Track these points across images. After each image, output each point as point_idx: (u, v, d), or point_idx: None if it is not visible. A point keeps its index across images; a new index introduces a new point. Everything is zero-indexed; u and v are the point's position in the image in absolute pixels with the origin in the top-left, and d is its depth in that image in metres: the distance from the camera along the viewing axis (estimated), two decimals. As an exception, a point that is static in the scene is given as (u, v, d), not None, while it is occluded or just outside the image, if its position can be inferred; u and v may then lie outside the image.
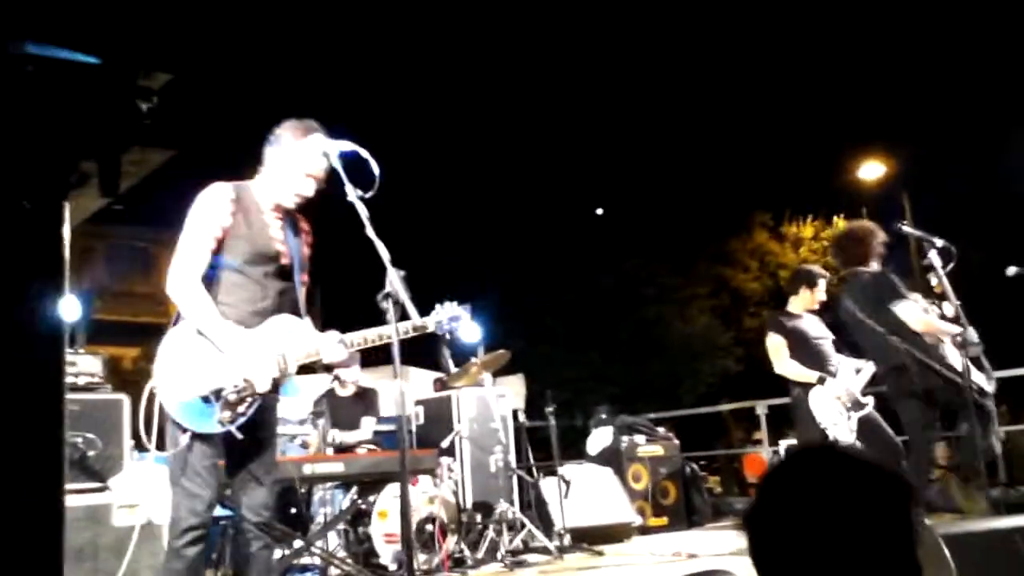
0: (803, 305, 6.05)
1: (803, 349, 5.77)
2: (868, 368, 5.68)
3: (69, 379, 4.60)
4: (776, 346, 5.84)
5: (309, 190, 3.33)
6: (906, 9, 16.46)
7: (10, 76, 1.01)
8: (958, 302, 4.99)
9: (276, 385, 3.18)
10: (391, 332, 3.26)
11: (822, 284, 6.11)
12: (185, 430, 3.03)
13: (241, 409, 3.08)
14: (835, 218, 19.63)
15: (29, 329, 1.04)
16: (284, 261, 3.31)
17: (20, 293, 1.05)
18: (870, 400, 5.64)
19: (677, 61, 18.11)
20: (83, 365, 4.70)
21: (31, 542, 1.06)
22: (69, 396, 4.49)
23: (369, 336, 3.34)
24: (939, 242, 4.99)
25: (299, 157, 3.28)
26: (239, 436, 3.07)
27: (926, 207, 15.55)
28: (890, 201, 16.63)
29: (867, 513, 1.36)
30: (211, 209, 3.18)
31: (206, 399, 3.04)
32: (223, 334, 3.09)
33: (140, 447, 4.41)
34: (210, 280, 3.17)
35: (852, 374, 5.70)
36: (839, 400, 5.60)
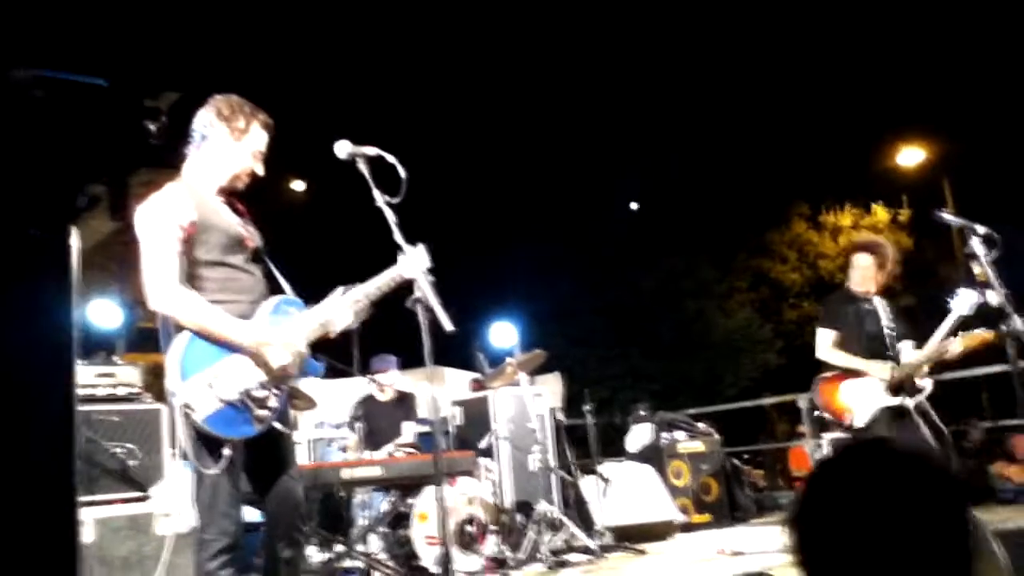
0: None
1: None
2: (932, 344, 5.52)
3: (109, 390, 4.66)
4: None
5: (261, 169, 3.19)
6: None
7: (17, 101, 1.01)
8: (1004, 290, 4.86)
9: (296, 368, 3.05)
10: (387, 279, 3.19)
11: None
12: (220, 445, 2.85)
13: (273, 403, 2.96)
14: (874, 206, 19.31)
15: (39, 350, 1.04)
16: (250, 244, 3.15)
17: (29, 321, 1.05)
18: (928, 382, 5.41)
19: (712, 53, 17.94)
20: (122, 376, 4.76)
21: (45, 554, 1.06)
22: (109, 407, 4.58)
23: (370, 291, 3.22)
24: (981, 229, 4.86)
25: (252, 138, 3.14)
26: (284, 430, 2.99)
27: (968, 193, 15.21)
28: (930, 187, 16.30)
29: (921, 510, 1.32)
30: (167, 208, 2.92)
31: (236, 403, 2.88)
32: (230, 329, 2.92)
33: (183, 456, 4.45)
34: (196, 282, 2.98)
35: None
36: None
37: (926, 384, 5.44)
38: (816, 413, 5.56)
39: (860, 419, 5.22)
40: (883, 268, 5.56)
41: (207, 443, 2.86)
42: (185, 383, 2.83)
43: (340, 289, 3.21)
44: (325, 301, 3.22)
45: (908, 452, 1.41)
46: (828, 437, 7.37)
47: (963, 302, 5.43)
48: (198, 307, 2.90)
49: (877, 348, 5.35)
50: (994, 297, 5.00)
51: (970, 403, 13.10)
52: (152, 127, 1.16)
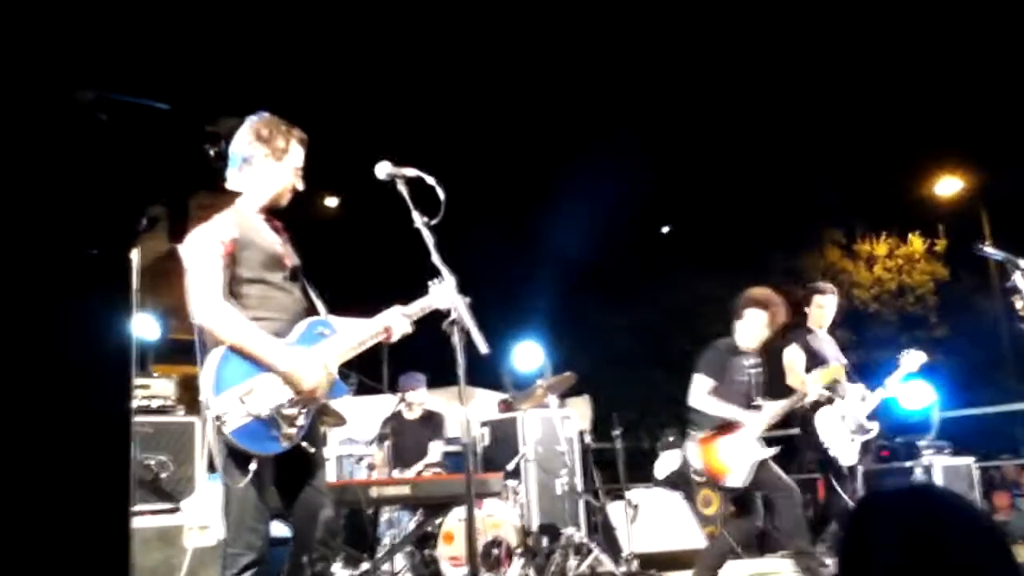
0: (816, 322, 6.38)
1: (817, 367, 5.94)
2: (873, 397, 5.97)
3: (143, 402, 4.70)
4: (795, 358, 6.08)
5: (301, 184, 3.27)
6: (984, 17, 15.97)
7: (82, 122, 1.03)
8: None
9: (325, 389, 3.11)
10: (417, 309, 3.32)
11: (827, 299, 6.49)
12: (248, 459, 2.90)
13: (301, 421, 3.00)
14: (910, 235, 19.07)
15: (100, 364, 1.06)
16: (288, 263, 3.24)
17: (91, 337, 1.06)
18: (875, 426, 5.92)
19: (744, 75, 17.88)
20: (156, 388, 4.80)
21: (100, 560, 1.07)
22: (143, 419, 4.62)
23: (409, 313, 3.34)
24: (1024, 263, 4.80)
25: (293, 155, 3.22)
26: (311, 449, 3.02)
27: (1005, 223, 14.98)
28: (967, 217, 16.09)
29: (971, 557, 1.30)
30: (209, 227, 3.01)
31: (265, 420, 2.92)
32: (266, 349, 2.97)
33: (212, 468, 4.47)
34: (237, 299, 3.05)
35: (858, 400, 5.95)
36: (844, 423, 5.85)
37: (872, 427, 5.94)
38: (693, 471, 5.54)
39: (738, 479, 5.16)
40: (772, 326, 5.49)
41: (235, 457, 2.91)
42: (218, 396, 2.88)
43: (399, 308, 3.32)
44: (358, 323, 3.29)
45: (953, 497, 1.39)
46: (861, 468, 7.30)
47: (912, 361, 6.13)
48: (238, 324, 2.97)
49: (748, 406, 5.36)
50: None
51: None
52: (212, 151, 1.17)
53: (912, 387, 7.46)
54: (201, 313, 2.96)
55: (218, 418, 2.85)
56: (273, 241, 3.20)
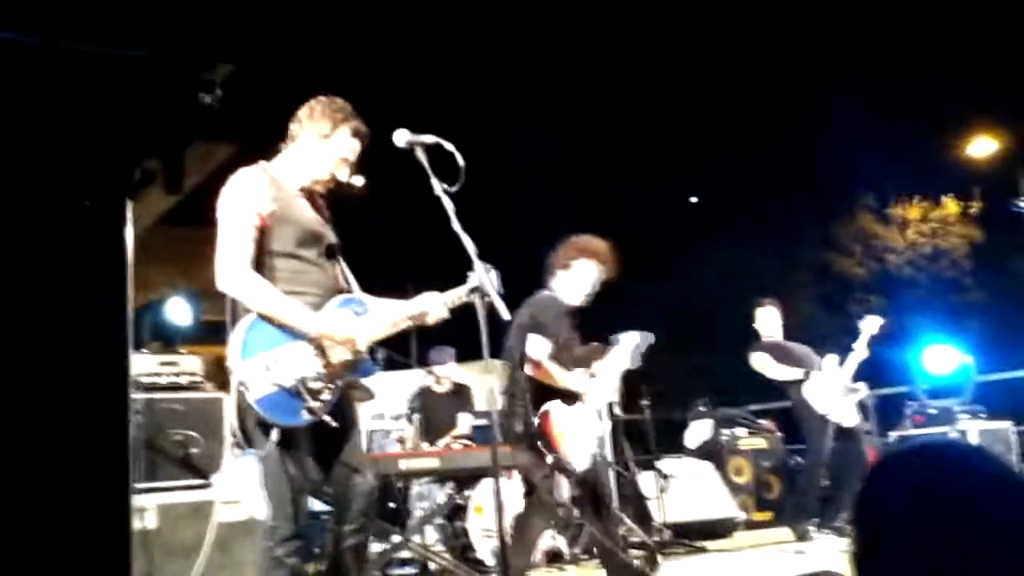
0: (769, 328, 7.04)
1: (786, 356, 6.71)
2: (849, 362, 6.56)
3: (172, 379, 4.72)
4: (762, 360, 6.78)
5: (344, 175, 3.21)
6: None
7: (70, 74, 1.00)
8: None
9: (357, 364, 3.06)
10: (464, 292, 3.18)
11: (772, 310, 7.13)
12: (271, 428, 2.87)
13: (326, 396, 2.95)
14: (944, 198, 18.71)
15: (91, 326, 1.03)
16: (325, 240, 3.17)
17: (83, 291, 1.03)
18: (862, 385, 6.57)
19: (773, 40, 17.57)
20: (185, 365, 4.82)
21: (99, 540, 1.05)
22: (172, 395, 4.64)
23: (460, 294, 3.21)
24: (1061, 220, 4.70)
25: (337, 143, 3.14)
26: (333, 424, 2.95)
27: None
28: (1004, 179, 15.73)
29: (994, 513, 1.23)
30: (247, 195, 2.96)
31: (290, 390, 2.88)
32: (296, 315, 2.93)
33: (240, 444, 4.47)
34: (268, 272, 2.98)
35: (836, 366, 6.57)
36: (832, 387, 6.41)
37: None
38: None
39: (581, 461, 4.28)
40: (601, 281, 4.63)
41: (260, 426, 2.88)
42: (244, 362, 2.85)
43: (435, 294, 3.23)
44: (392, 304, 3.25)
45: (977, 452, 1.32)
46: (895, 435, 7.27)
47: (871, 325, 6.65)
48: (266, 292, 2.93)
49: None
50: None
51: None
52: (207, 99, 1.13)
53: (937, 351, 7.43)
54: (226, 282, 2.93)
55: (242, 383, 2.84)
56: (310, 217, 3.14)
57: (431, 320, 3.26)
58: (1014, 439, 7.56)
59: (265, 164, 3.12)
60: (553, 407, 4.23)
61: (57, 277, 0.98)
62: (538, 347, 4.25)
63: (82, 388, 1.00)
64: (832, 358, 6.64)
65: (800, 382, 6.51)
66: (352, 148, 3.19)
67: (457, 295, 3.26)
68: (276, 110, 3.26)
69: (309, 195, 3.20)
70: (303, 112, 3.15)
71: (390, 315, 3.21)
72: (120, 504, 1.02)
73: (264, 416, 2.86)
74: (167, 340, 5.30)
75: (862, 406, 6.67)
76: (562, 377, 4.29)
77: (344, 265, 3.27)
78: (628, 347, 4.58)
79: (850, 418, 6.42)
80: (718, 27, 17.62)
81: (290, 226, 3.05)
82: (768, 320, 7.07)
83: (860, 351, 6.63)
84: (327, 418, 2.96)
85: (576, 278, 4.53)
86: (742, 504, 7.58)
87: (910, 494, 1.26)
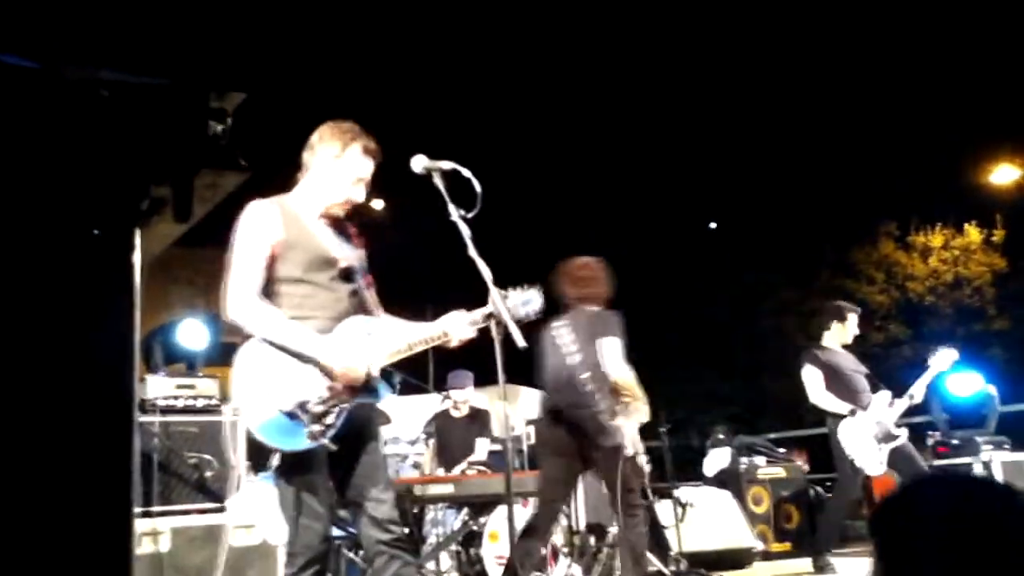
0: (836, 339, 6.37)
1: (838, 382, 6.13)
2: (902, 402, 6.01)
3: (188, 402, 4.73)
4: (811, 378, 6.21)
5: (360, 196, 3.22)
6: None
7: (83, 101, 1.00)
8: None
9: (366, 388, 3.03)
10: (490, 310, 3.12)
11: (852, 318, 6.41)
12: (271, 452, 2.88)
13: (329, 420, 2.92)
14: (966, 225, 18.56)
15: (99, 355, 1.02)
16: (340, 264, 3.16)
17: (91, 319, 1.03)
18: (903, 432, 5.97)
19: (794, 63, 17.56)
20: (202, 388, 4.83)
21: (99, 566, 1.04)
22: (188, 418, 4.65)
23: (485, 312, 3.18)
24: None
25: (349, 163, 3.15)
26: (333, 448, 2.91)
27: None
28: (1027, 206, 15.61)
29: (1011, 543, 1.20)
30: (259, 225, 3.03)
31: (290, 414, 2.88)
32: (300, 339, 2.94)
33: (256, 468, 4.47)
34: (276, 298, 3.03)
35: (885, 407, 6.00)
36: (869, 432, 5.93)
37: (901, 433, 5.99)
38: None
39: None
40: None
41: (261, 450, 2.92)
42: (243, 387, 2.90)
43: (462, 312, 3.20)
44: (410, 326, 3.23)
45: (1006, 487, 1.30)
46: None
47: (943, 360, 6.12)
48: (272, 319, 2.95)
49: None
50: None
51: None
52: (218, 128, 1.13)
53: (961, 377, 7.35)
54: (233, 309, 2.96)
55: (243, 408, 2.88)
56: (323, 242, 3.14)
57: (455, 342, 3.20)
58: (1039, 471, 7.43)
59: (280, 197, 3.16)
60: None
61: (64, 305, 0.98)
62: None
63: (87, 414, 1.00)
64: (884, 395, 6.10)
65: (841, 416, 6.07)
66: (365, 166, 3.20)
67: (482, 314, 3.20)
68: (287, 139, 3.28)
69: (334, 222, 3.21)
70: (313, 138, 3.19)
71: (406, 337, 3.17)
72: (121, 530, 1.02)
73: (263, 440, 2.87)
74: (180, 361, 5.31)
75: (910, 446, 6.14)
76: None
77: (363, 286, 3.25)
78: None
79: (877, 467, 5.97)
80: (742, 52, 17.64)
81: (300, 252, 3.06)
82: (841, 331, 6.39)
83: (919, 391, 6.10)
84: (327, 442, 2.91)
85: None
86: (760, 534, 7.49)
87: (938, 522, 1.24)
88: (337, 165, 3.14)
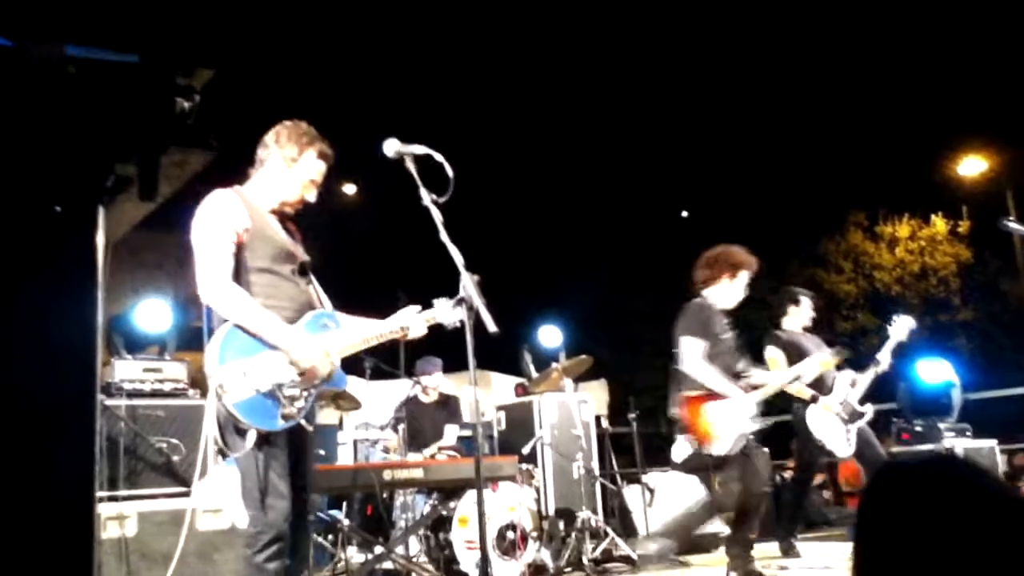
0: (796, 323, 6.51)
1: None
2: (864, 378, 6.06)
3: (156, 385, 4.69)
4: (774, 360, 6.19)
5: (313, 197, 3.32)
6: (1008, -4, 15.67)
7: (49, 77, 0.98)
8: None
9: (329, 377, 3.16)
10: (426, 318, 3.36)
11: (805, 301, 6.57)
12: (246, 432, 2.95)
13: (300, 403, 3.04)
14: (933, 217, 18.82)
15: (59, 336, 1.01)
16: (299, 258, 3.29)
17: (51, 299, 1.02)
18: (869, 408, 6.02)
19: (765, 56, 17.67)
20: (169, 371, 4.79)
21: (62, 549, 1.03)
22: (154, 402, 4.61)
23: (415, 326, 3.41)
24: (1051, 239, 4.73)
25: (305, 166, 3.26)
26: (310, 428, 3.07)
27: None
28: (992, 199, 15.82)
29: (994, 531, 1.22)
30: (225, 212, 3.10)
31: (267, 395, 2.97)
32: (273, 328, 3.03)
33: (224, 452, 4.44)
34: (244, 286, 3.10)
35: (848, 387, 6.06)
36: (836, 414, 5.97)
37: (867, 410, 5.99)
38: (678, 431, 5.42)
39: (722, 446, 5.08)
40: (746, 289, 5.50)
41: (236, 430, 2.98)
42: (222, 367, 2.94)
43: (416, 307, 3.40)
44: (367, 322, 3.37)
45: (980, 470, 1.32)
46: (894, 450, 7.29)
47: (901, 328, 6.10)
48: (244, 303, 3.03)
49: (734, 365, 5.28)
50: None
51: None
52: (185, 105, 1.12)
53: (929, 363, 7.45)
54: (208, 292, 3.02)
55: (221, 387, 2.91)
56: (284, 237, 3.26)
57: (412, 335, 3.38)
58: (999, 458, 7.59)
59: (238, 188, 3.25)
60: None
61: (23, 283, 0.96)
62: (688, 349, 5.14)
63: (45, 396, 0.98)
64: (846, 375, 6.12)
65: (807, 402, 6.05)
66: (319, 170, 3.30)
67: (437, 312, 3.38)
68: (257, 118, 3.29)
69: (280, 217, 3.31)
70: (270, 138, 3.28)
71: (362, 332, 3.33)
72: (83, 514, 1.01)
73: (241, 419, 2.93)
74: (146, 344, 5.24)
75: (868, 430, 6.16)
76: (715, 382, 5.06)
77: (316, 283, 3.36)
78: None
79: (846, 449, 6.01)
80: (710, 43, 17.70)
81: (265, 243, 3.17)
82: (797, 315, 6.51)
83: (883, 362, 6.09)
84: (303, 422, 3.05)
85: (734, 287, 5.39)
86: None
87: (911, 506, 1.26)
88: (294, 167, 3.24)
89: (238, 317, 3.00)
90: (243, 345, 2.99)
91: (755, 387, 5.21)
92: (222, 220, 3.08)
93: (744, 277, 5.40)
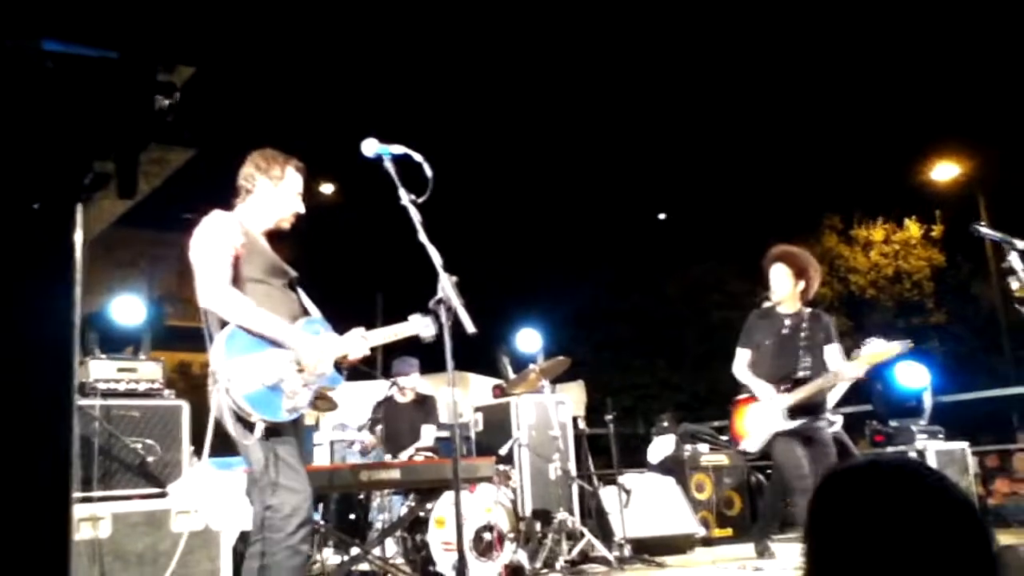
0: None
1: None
2: (836, 390, 5.96)
3: (130, 385, 4.64)
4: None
5: (302, 207, 3.57)
6: (980, 3, 15.88)
7: (26, 73, 0.98)
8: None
9: (323, 375, 3.35)
10: (406, 329, 3.50)
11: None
12: (254, 424, 3.11)
13: (301, 398, 3.24)
14: (906, 220, 19.01)
15: (36, 336, 1.00)
16: (292, 275, 3.53)
17: (28, 298, 1.01)
18: (839, 419, 6.13)
19: (742, 61, 17.80)
20: (144, 371, 4.74)
21: (38, 554, 1.02)
22: (129, 402, 4.56)
23: (387, 334, 3.57)
24: (1020, 244, 4.75)
25: (290, 182, 3.51)
26: (304, 421, 3.33)
27: (1003, 209, 14.91)
28: (965, 203, 16.03)
29: (942, 530, 1.24)
30: (223, 230, 3.32)
31: (272, 388, 3.16)
32: (278, 326, 3.24)
33: (198, 453, 4.41)
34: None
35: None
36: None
37: (836, 420, 6.08)
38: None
39: (753, 444, 5.34)
40: (801, 278, 5.49)
41: (243, 422, 3.14)
42: (229, 361, 3.13)
43: (360, 330, 3.51)
44: (345, 337, 3.48)
45: (925, 471, 1.34)
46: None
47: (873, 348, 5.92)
48: (244, 305, 3.22)
49: (788, 366, 5.35)
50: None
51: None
52: (165, 102, 1.12)
53: (908, 367, 7.49)
54: (212, 297, 3.22)
55: (229, 380, 3.09)
56: (275, 255, 3.49)
57: (352, 358, 3.48)
58: (970, 460, 7.67)
59: (229, 214, 3.45)
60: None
61: (2, 282, 0.96)
62: (736, 358, 5.50)
63: (22, 397, 0.97)
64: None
65: None
66: (300, 182, 3.56)
67: (412, 327, 3.49)
68: (238, 115, 3.33)
69: (268, 237, 3.52)
70: (250, 168, 3.51)
71: (340, 346, 3.45)
72: (59, 515, 1.00)
73: (250, 411, 3.10)
74: (119, 342, 5.18)
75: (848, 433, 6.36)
76: (751, 384, 5.36)
77: (303, 294, 3.55)
78: None
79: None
80: (692, 48, 17.80)
81: (259, 257, 3.38)
82: (776, 283, 6.56)
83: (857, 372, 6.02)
84: (305, 412, 3.29)
85: (771, 281, 5.56)
86: (703, 520, 7.61)
87: (857, 508, 1.28)
88: (281, 185, 3.50)
89: (242, 319, 3.19)
90: (246, 344, 3.19)
91: (794, 387, 5.29)
92: (221, 235, 3.29)
93: (771, 271, 5.57)
